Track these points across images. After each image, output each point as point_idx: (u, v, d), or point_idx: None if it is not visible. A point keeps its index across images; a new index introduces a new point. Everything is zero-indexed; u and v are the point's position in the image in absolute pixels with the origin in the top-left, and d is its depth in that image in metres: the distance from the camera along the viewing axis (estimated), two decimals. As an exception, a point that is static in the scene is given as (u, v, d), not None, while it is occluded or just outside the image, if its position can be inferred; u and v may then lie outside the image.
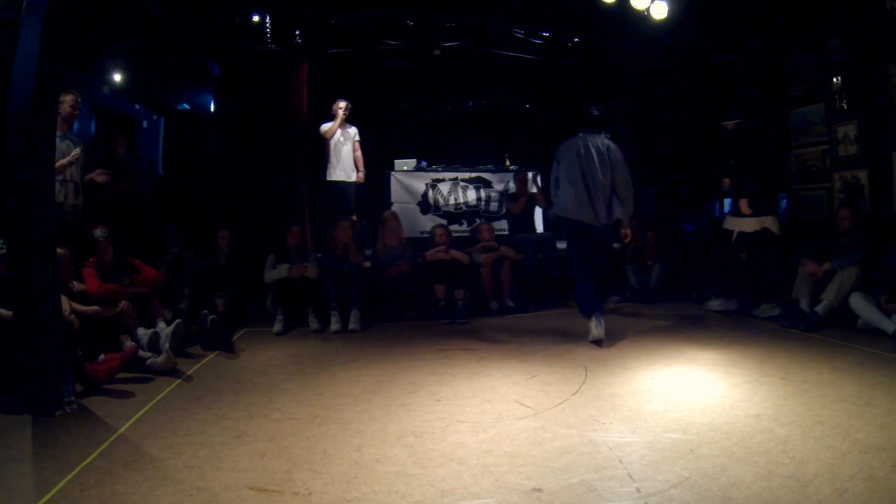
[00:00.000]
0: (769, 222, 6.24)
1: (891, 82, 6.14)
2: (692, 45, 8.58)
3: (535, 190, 8.08)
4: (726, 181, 6.54)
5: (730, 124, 6.55)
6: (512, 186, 8.98)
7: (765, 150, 6.49)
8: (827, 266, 5.58)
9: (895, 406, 3.34)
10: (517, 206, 7.87)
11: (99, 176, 5.63)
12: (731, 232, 6.43)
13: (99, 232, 4.96)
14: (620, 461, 2.72)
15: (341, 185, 7.85)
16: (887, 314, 5.06)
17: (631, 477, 2.56)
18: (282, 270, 6.06)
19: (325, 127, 7.68)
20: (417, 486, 2.54)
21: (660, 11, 7.18)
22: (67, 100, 5.30)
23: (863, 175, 6.60)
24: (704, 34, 8.28)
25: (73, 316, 4.24)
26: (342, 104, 7.74)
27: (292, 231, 6.35)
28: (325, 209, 7.94)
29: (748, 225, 6.29)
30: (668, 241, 7.66)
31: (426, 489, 2.50)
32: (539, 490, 2.47)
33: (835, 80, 6.73)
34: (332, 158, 7.77)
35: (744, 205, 6.25)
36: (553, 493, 2.45)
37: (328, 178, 7.84)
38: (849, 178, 6.76)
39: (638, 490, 2.45)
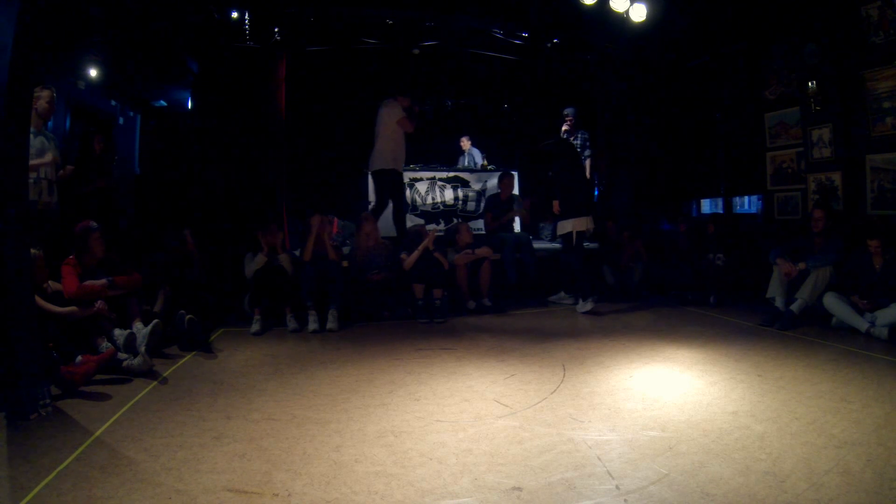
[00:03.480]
0: (585, 223, 6.67)
1: (864, 86, 6.26)
2: (670, 48, 8.67)
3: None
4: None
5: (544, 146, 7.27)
6: (491, 187, 9.04)
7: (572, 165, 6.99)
8: (801, 266, 5.69)
9: (870, 402, 3.41)
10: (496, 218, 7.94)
11: (63, 172, 5.52)
12: (570, 234, 6.71)
13: (94, 224, 4.87)
14: (599, 459, 2.73)
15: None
16: (860, 313, 5.17)
17: (610, 474, 2.58)
18: (260, 259, 6.02)
19: (408, 123, 7.44)
20: (397, 485, 2.53)
21: (639, 14, 7.24)
22: (44, 95, 5.21)
23: (836, 177, 6.72)
24: (682, 37, 8.37)
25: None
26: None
27: (270, 229, 6.28)
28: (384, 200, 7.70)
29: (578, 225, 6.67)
30: (646, 241, 7.74)
31: (406, 489, 2.50)
32: (519, 489, 2.48)
33: (810, 83, 6.85)
34: (394, 145, 7.48)
35: (556, 206, 6.79)
36: (533, 491, 2.46)
37: (393, 167, 7.51)
38: (823, 179, 6.88)
39: (617, 487, 2.46)
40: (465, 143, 10.36)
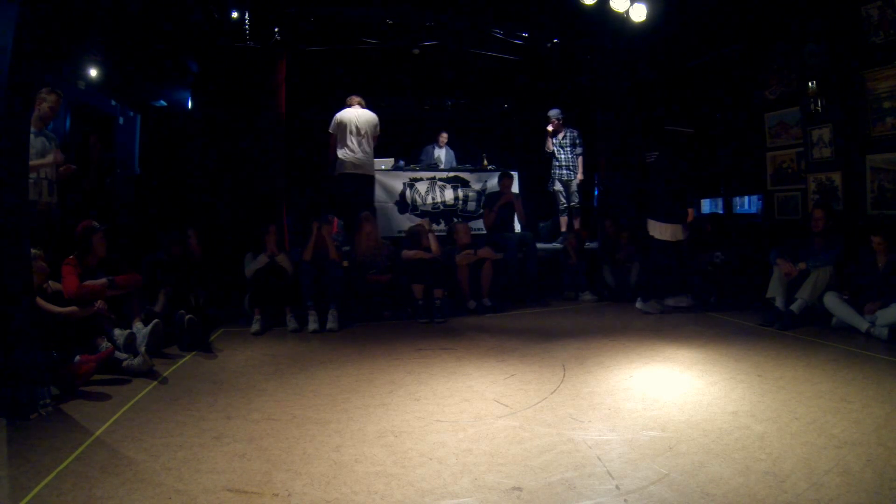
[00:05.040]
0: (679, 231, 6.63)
1: (864, 86, 6.26)
2: (671, 48, 8.66)
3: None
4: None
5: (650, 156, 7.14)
6: (491, 186, 9.03)
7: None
8: (802, 266, 5.69)
9: (870, 402, 3.41)
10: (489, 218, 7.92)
11: (63, 169, 5.51)
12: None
13: (96, 224, 4.86)
14: (599, 459, 2.73)
15: None
16: (860, 312, 5.17)
17: (610, 474, 2.58)
18: (261, 259, 6.02)
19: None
20: (397, 485, 2.53)
21: (639, 14, 7.23)
22: (49, 99, 5.17)
23: (836, 177, 6.72)
24: (683, 37, 8.36)
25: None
26: None
27: (270, 230, 6.28)
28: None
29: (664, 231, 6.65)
30: (646, 241, 7.72)
31: (406, 489, 2.50)
32: (519, 489, 2.47)
33: (810, 84, 6.84)
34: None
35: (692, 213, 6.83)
36: (533, 491, 2.45)
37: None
38: (823, 179, 6.88)
39: (617, 487, 2.46)
40: (443, 139, 10.31)
